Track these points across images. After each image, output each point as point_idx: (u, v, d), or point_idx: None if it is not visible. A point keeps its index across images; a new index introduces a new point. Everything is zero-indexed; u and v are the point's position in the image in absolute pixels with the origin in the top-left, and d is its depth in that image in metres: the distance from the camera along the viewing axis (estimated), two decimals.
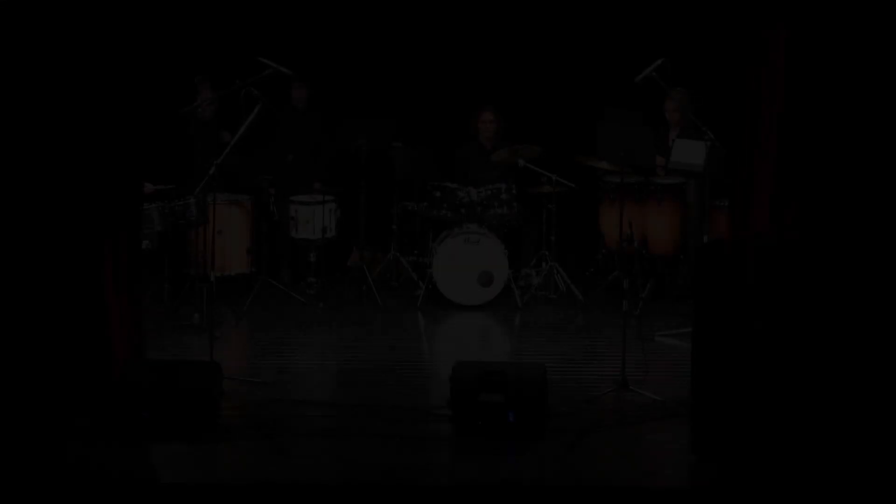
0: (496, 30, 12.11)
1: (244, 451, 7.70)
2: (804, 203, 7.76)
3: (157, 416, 7.92)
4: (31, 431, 7.68)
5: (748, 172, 7.79)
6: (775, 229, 7.74)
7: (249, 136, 10.29)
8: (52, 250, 7.94)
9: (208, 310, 9.61)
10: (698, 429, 7.54)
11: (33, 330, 7.88)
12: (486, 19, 12.10)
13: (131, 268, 8.22)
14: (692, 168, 10.56)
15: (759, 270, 7.40)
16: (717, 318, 7.39)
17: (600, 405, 8.46)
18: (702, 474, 7.42)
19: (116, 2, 8.09)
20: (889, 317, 7.54)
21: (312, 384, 9.02)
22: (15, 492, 6.99)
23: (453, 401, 7.96)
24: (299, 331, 10.29)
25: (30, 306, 7.89)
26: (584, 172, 11.50)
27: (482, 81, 12.17)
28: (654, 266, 11.17)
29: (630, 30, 11.92)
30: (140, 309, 8.42)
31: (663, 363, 9.37)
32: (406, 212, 11.47)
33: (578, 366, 9.44)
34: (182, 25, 11.85)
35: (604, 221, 11.25)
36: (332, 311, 10.86)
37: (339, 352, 9.79)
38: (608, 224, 11.14)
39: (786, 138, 7.73)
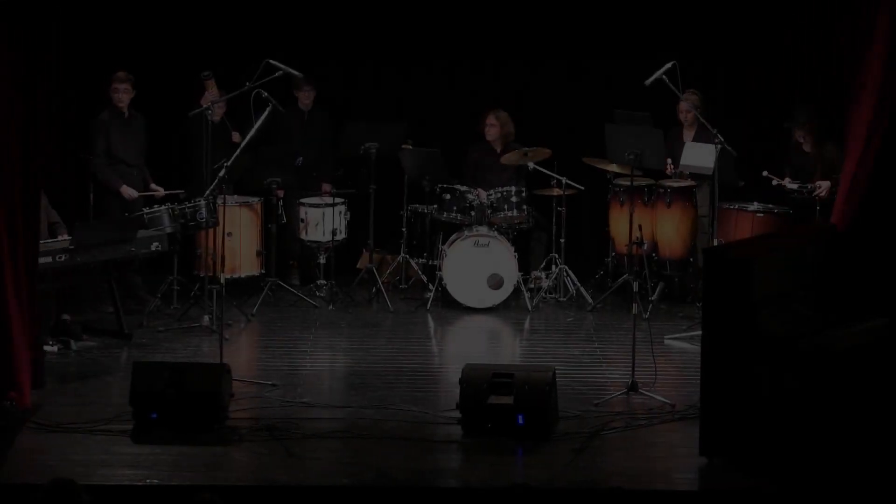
0: (507, 32, 12.09)
1: (253, 453, 7.70)
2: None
3: (167, 416, 7.95)
4: None
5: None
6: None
7: (258, 138, 10.31)
8: None
9: (218, 312, 9.62)
10: (708, 432, 7.54)
11: None
12: (497, 22, 12.10)
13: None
14: (702, 171, 10.58)
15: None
16: (725, 322, 7.39)
17: (610, 408, 8.47)
18: (712, 477, 7.42)
19: None
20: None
21: (322, 386, 9.04)
22: None
23: (462, 403, 7.98)
24: (309, 333, 10.30)
25: None
26: (594, 175, 11.51)
27: (492, 84, 12.17)
28: (663, 269, 11.15)
29: (641, 32, 11.92)
30: (36, 297, 8.49)
31: (673, 366, 9.37)
32: (416, 214, 11.46)
33: (588, 369, 9.45)
34: (191, 26, 11.91)
35: (613, 224, 11.25)
36: (341, 313, 10.86)
37: (348, 354, 9.79)
38: (618, 227, 11.14)
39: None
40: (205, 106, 10.39)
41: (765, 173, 10.67)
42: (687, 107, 10.92)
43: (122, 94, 10.65)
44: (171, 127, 11.42)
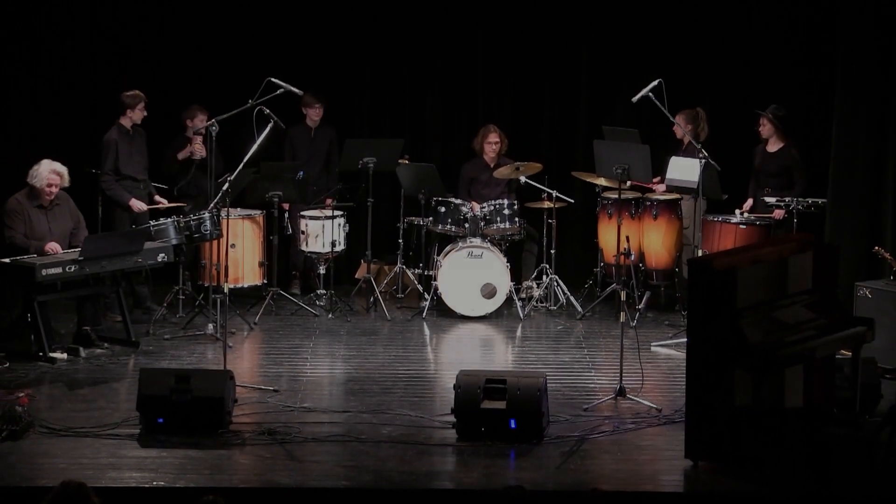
0: (501, 47, 12.23)
1: (256, 456, 7.82)
2: None
3: (173, 421, 8.08)
4: None
5: None
6: None
7: (261, 153, 10.46)
8: None
9: (222, 320, 9.71)
10: (693, 435, 7.66)
11: None
12: (490, 36, 12.24)
13: None
14: (687, 185, 10.68)
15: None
16: (709, 329, 7.51)
17: (598, 412, 8.59)
18: (696, 479, 7.54)
19: None
20: None
21: (321, 392, 9.14)
22: None
23: (457, 408, 8.10)
24: (309, 340, 10.40)
25: None
26: (583, 188, 11.67)
27: (485, 102, 12.26)
28: (650, 279, 11.28)
29: (630, 50, 12.07)
30: None
31: (659, 372, 9.52)
32: (412, 226, 11.57)
33: (577, 375, 9.57)
34: (196, 43, 12.07)
35: (602, 236, 11.38)
36: (340, 321, 10.97)
37: (347, 361, 9.90)
38: (606, 238, 11.28)
39: None
40: (209, 122, 10.53)
41: (724, 195, 10.84)
42: (684, 123, 11.07)
43: (143, 113, 10.82)
44: (168, 142, 11.56)
